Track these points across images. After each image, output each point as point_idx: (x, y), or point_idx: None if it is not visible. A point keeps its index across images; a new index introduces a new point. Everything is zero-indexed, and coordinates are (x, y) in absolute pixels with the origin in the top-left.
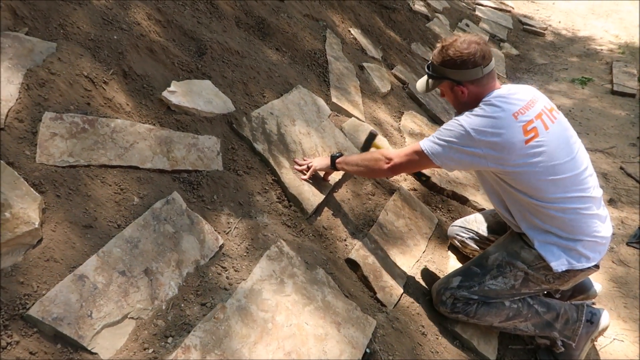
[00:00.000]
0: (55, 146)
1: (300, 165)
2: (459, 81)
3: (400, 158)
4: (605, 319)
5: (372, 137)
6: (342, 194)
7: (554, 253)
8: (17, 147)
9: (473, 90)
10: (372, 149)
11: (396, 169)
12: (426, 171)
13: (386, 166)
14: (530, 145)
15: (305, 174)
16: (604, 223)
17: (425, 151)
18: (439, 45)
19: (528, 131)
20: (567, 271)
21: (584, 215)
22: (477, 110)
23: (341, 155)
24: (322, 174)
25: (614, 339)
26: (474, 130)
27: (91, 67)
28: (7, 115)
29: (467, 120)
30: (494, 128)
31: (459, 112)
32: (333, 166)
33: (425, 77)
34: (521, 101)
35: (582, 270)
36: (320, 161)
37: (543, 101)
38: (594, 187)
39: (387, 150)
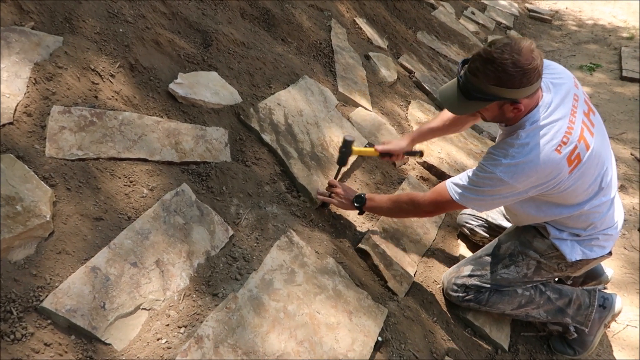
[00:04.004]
0: (64, 139)
1: (331, 187)
2: (516, 99)
3: (428, 205)
4: (618, 303)
5: (350, 144)
6: (351, 184)
7: (569, 244)
8: (26, 141)
9: (528, 104)
10: (352, 158)
11: (426, 214)
12: (432, 160)
13: (416, 212)
14: (573, 172)
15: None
16: (619, 216)
17: (455, 199)
18: (481, 56)
19: (572, 160)
20: (580, 260)
21: (605, 219)
22: (514, 155)
23: (365, 202)
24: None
25: (627, 325)
26: (514, 180)
27: (98, 61)
28: (15, 110)
29: (506, 171)
30: (538, 172)
31: (491, 120)
32: (360, 212)
33: (456, 95)
34: (563, 122)
35: (595, 259)
36: (345, 199)
37: (582, 104)
38: (615, 188)
39: (414, 195)
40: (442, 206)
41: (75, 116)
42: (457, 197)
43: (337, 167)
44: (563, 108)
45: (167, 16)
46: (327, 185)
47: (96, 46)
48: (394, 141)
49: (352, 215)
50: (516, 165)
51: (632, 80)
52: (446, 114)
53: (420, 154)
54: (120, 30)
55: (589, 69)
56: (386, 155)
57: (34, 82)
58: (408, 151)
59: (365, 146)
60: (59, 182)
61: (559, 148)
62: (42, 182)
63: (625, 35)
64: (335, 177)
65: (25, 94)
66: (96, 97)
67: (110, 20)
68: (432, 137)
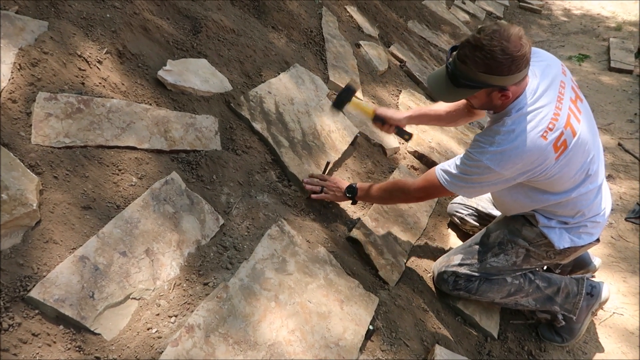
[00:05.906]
0: (50, 127)
1: (319, 180)
2: (504, 87)
3: (418, 191)
4: (605, 291)
5: (351, 92)
6: (342, 172)
7: (557, 232)
8: (11, 128)
9: (516, 91)
10: (351, 106)
11: (417, 200)
12: (423, 149)
13: (406, 199)
14: (559, 159)
15: (318, 192)
16: (606, 203)
17: (445, 186)
18: (470, 42)
19: (558, 147)
20: (568, 247)
21: (592, 206)
22: (500, 142)
23: (357, 192)
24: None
25: (614, 312)
26: (501, 167)
27: (84, 46)
28: None
29: (492, 158)
30: (524, 158)
31: (479, 108)
32: (353, 202)
33: (445, 82)
34: (549, 109)
35: (583, 246)
36: (337, 191)
37: (569, 91)
38: (602, 175)
39: (404, 181)
40: (432, 192)
41: (61, 103)
42: (446, 185)
43: (334, 110)
44: (549, 94)
45: (155, 2)
46: (312, 173)
47: (82, 31)
48: (393, 110)
49: (343, 204)
50: (502, 152)
51: (620, 71)
52: (446, 104)
53: (409, 136)
54: (107, 15)
55: (578, 59)
56: (380, 120)
57: (18, 67)
58: (400, 128)
59: (357, 136)
60: (45, 170)
61: (544, 134)
62: (28, 170)
63: (613, 26)
64: (324, 172)
65: (9, 79)
66: (83, 83)
67: (97, 5)
68: (429, 122)
